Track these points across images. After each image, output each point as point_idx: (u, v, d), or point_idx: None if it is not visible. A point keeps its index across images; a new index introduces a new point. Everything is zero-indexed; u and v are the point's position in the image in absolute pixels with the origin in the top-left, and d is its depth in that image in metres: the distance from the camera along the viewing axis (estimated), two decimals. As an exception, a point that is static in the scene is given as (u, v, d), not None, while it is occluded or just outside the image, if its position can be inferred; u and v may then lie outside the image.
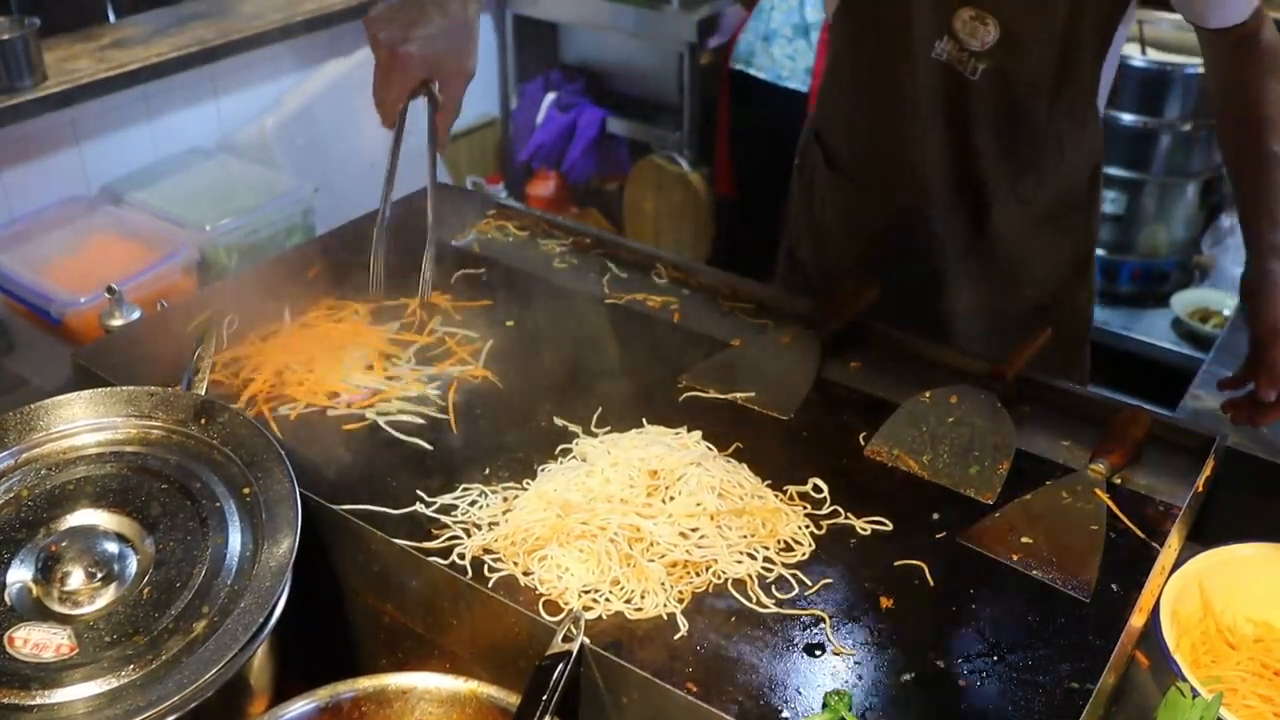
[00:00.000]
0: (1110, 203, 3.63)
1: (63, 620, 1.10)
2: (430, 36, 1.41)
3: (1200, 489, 1.34)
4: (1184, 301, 3.61)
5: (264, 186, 3.00)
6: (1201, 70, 3.43)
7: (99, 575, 1.12)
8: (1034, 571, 1.26)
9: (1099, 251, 3.68)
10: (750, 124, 3.60)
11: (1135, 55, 3.50)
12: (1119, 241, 3.71)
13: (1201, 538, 1.35)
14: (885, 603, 1.21)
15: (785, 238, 2.11)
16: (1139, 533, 1.31)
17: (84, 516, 1.19)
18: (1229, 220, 3.69)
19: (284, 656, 1.16)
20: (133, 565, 1.15)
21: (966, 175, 1.78)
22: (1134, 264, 3.72)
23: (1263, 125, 1.59)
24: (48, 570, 1.13)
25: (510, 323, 1.66)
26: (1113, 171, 3.59)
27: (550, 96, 4.23)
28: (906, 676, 1.12)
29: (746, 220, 3.81)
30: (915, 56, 1.69)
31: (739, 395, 1.51)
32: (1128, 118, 3.52)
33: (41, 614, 1.10)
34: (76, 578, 1.12)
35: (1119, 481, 1.40)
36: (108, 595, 1.12)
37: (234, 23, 3.20)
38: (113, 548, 1.15)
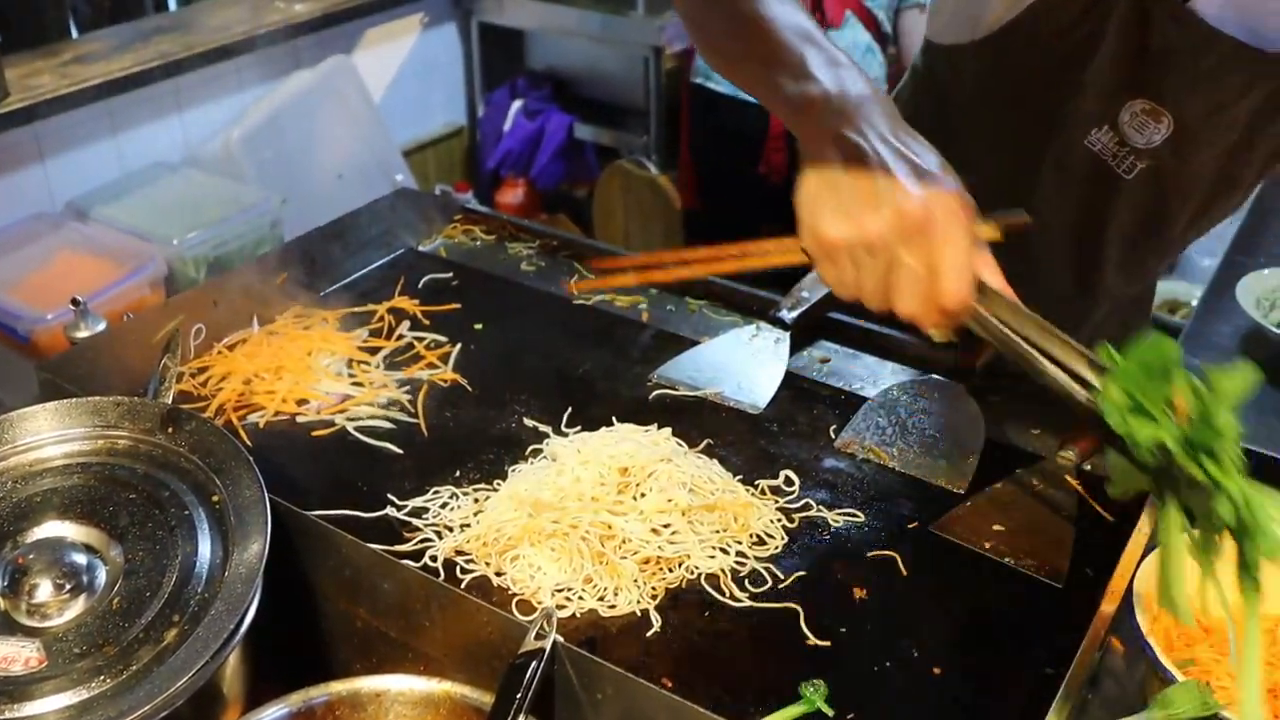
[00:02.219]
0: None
1: (31, 633, 1.08)
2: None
3: (1168, 473, 1.35)
4: (1152, 293, 3.64)
5: (231, 199, 2.99)
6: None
7: (67, 587, 1.11)
8: (1006, 559, 1.26)
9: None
10: (712, 138, 3.60)
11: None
12: (1086, 235, 3.73)
13: (1172, 522, 1.36)
14: (859, 594, 1.21)
15: None
16: (1110, 518, 1.32)
17: (51, 528, 1.18)
18: (1194, 212, 3.72)
19: (256, 664, 1.15)
20: (102, 576, 1.14)
21: (1079, 273, 1.64)
22: (1102, 257, 3.74)
23: None
24: (15, 583, 1.11)
25: (479, 326, 1.65)
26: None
27: (517, 104, 4.23)
28: (881, 666, 1.13)
29: (712, 232, 3.81)
30: (1066, 136, 1.50)
31: (708, 392, 1.51)
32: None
33: (9, 627, 1.09)
34: (45, 590, 1.11)
35: (1089, 468, 1.40)
36: (77, 607, 1.11)
37: (197, 36, 3.19)
38: (81, 559, 1.14)
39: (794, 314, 1.59)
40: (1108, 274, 1.65)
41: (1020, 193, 1.50)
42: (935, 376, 1.49)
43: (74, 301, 1.60)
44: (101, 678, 1.04)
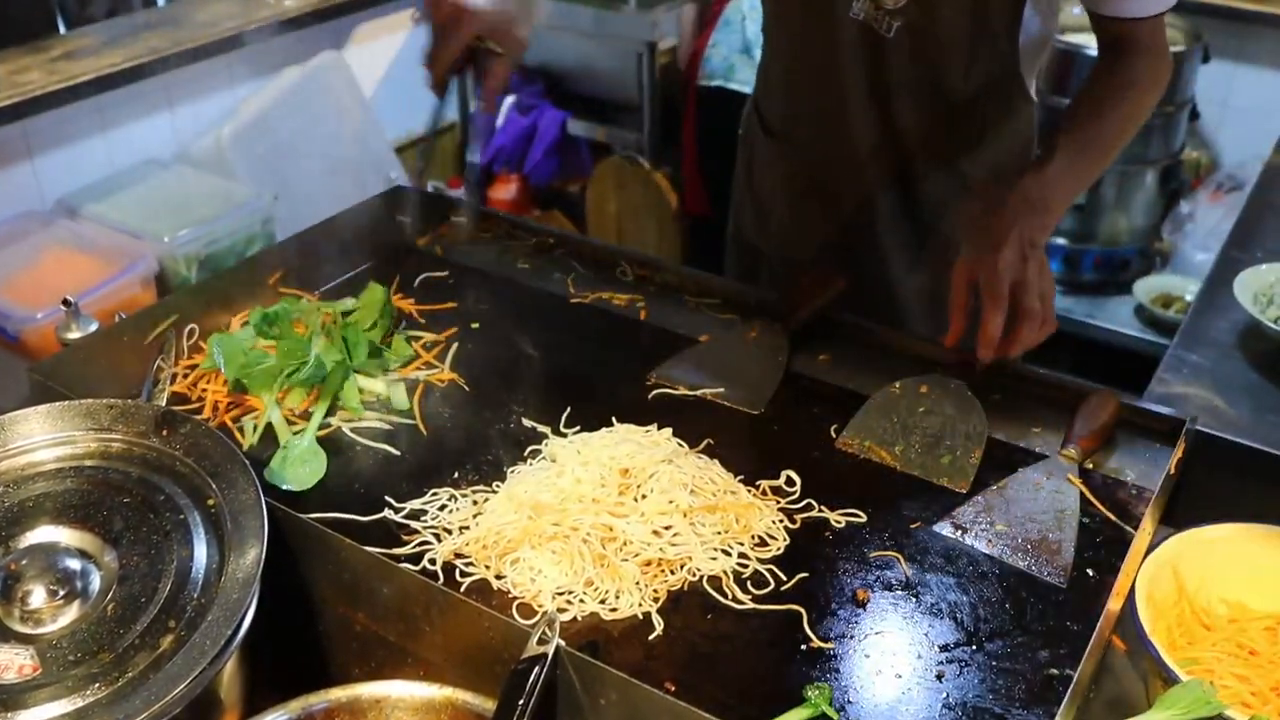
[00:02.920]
0: (1070, 192, 3.65)
1: (25, 640, 1.07)
2: None
3: (1172, 472, 1.34)
4: (1146, 288, 3.64)
5: (222, 196, 2.96)
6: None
7: (61, 593, 1.10)
8: (1009, 559, 1.25)
9: (1060, 240, 3.74)
10: (732, 138, 3.57)
11: (1091, 45, 3.52)
12: (1080, 230, 3.73)
13: (1172, 521, 1.35)
14: (862, 595, 1.20)
15: (730, 221, 2.13)
16: (1113, 517, 1.31)
17: (45, 533, 1.16)
18: (1188, 206, 3.72)
19: (254, 670, 1.13)
20: (96, 581, 1.12)
21: (890, 138, 1.80)
22: (1095, 252, 3.74)
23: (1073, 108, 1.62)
24: (8, 589, 1.10)
25: (476, 324, 1.64)
26: (1072, 161, 3.61)
27: (510, 99, 4.21)
28: (885, 668, 1.12)
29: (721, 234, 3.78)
30: (835, 15, 1.70)
31: (708, 391, 1.50)
32: (1085, 107, 3.53)
33: (2, 634, 1.07)
34: (38, 596, 1.09)
35: (1090, 466, 1.39)
36: (71, 613, 1.09)
37: (187, 31, 3.16)
38: (75, 564, 1.13)
39: (793, 313, 1.58)
40: (911, 141, 1.80)
41: (822, 83, 1.79)
42: (936, 375, 1.48)
43: (65, 302, 1.57)
44: (97, 685, 1.03)
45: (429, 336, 1.60)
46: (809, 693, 1.07)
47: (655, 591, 1.18)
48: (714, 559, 1.21)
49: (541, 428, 1.42)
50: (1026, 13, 1.68)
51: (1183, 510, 1.37)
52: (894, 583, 1.22)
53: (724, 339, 1.59)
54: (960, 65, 1.72)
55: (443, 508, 1.28)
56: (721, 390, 1.50)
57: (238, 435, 1.40)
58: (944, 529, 1.29)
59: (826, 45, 1.74)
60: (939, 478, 1.36)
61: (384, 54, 3.91)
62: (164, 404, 1.32)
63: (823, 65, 1.77)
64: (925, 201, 1.85)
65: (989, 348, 1.43)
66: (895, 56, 1.71)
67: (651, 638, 1.13)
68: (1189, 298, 3.53)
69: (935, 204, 1.85)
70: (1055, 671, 1.12)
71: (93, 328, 1.57)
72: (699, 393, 1.50)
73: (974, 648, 1.15)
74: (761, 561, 1.23)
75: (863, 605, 1.19)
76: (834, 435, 1.43)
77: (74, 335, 1.57)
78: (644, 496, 1.25)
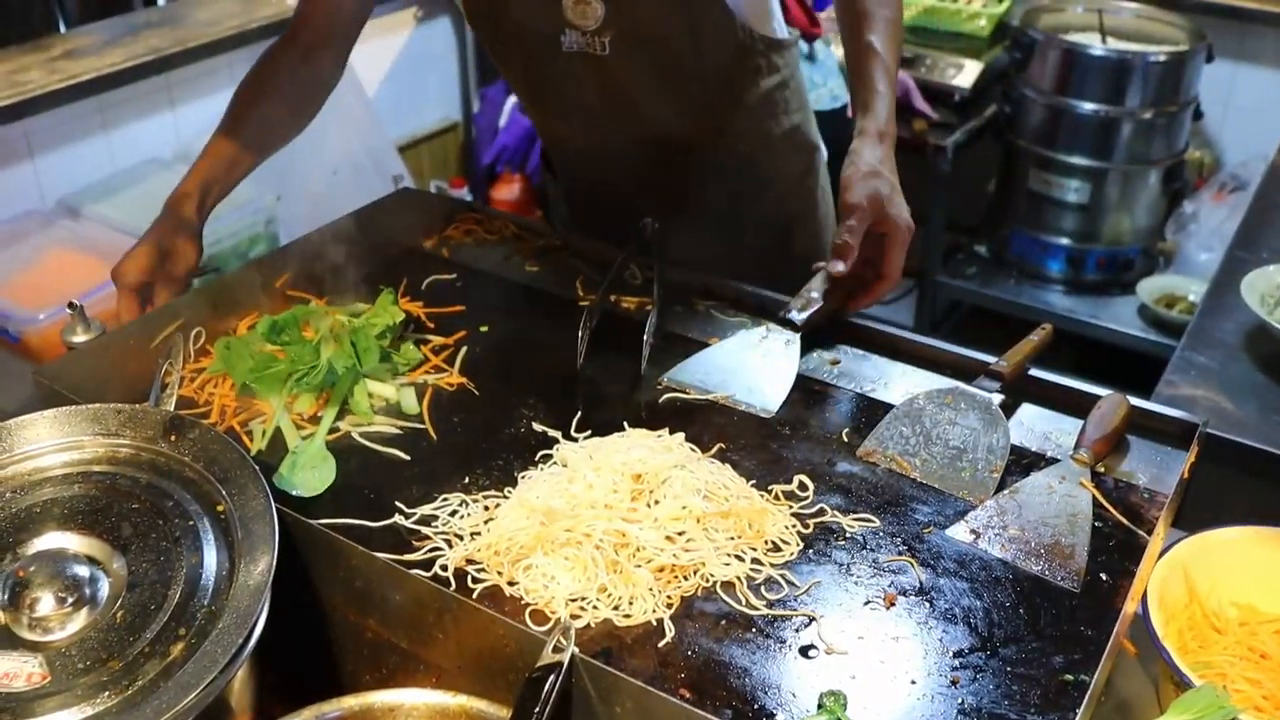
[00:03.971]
0: (1074, 192, 3.65)
1: (33, 648, 1.06)
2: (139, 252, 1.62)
3: (1185, 476, 1.34)
4: (1150, 288, 3.64)
5: (224, 196, 2.95)
6: (1162, 58, 3.47)
7: (70, 600, 1.09)
8: (1023, 564, 1.25)
9: (1063, 240, 3.74)
10: None
11: (1095, 44, 3.52)
12: (1084, 230, 3.73)
13: (1179, 522, 1.35)
14: (875, 600, 1.19)
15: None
16: (1125, 521, 1.31)
17: (52, 540, 1.15)
18: (1192, 206, 3.72)
19: (265, 677, 1.13)
20: (105, 588, 1.11)
21: (651, 133, 1.84)
22: (1099, 252, 3.75)
23: (861, 18, 1.68)
24: (16, 596, 1.09)
25: (484, 328, 1.63)
26: (1075, 160, 3.62)
27: (512, 99, 4.20)
28: (900, 674, 1.11)
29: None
30: (549, 55, 1.75)
31: (719, 395, 1.49)
32: (1088, 106, 3.54)
33: (11, 642, 1.07)
34: (46, 603, 1.08)
35: (1103, 470, 1.39)
36: (79, 620, 1.08)
37: (188, 30, 3.16)
38: (83, 571, 1.12)
39: (804, 315, 1.57)
40: (674, 134, 1.84)
41: (567, 112, 1.86)
42: (962, 386, 1.47)
43: (71, 305, 1.56)
44: (106, 694, 1.02)
45: (437, 340, 1.59)
46: (825, 699, 1.06)
47: (669, 598, 1.17)
48: (727, 565, 1.21)
49: (552, 432, 1.41)
50: None
51: (1189, 511, 1.37)
52: (908, 588, 1.21)
53: (734, 342, 1.58)
54: (684, 42, 1.73)
55: (453, 513, 1.27)
56: (732, 394, 1.49)
57: (246, 440, 1.39)
58: (957, 533, 1.28)
59: (555, 79, 1.79)
60: (959, 491, 1.35)
61: (386, 53, 3.91)
62: (172, 408, 1.31)
63: (560, 97, 1.83)
64: (704, 177, 1.88)
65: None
66: (621, 65, 1.74)
67: (665, 644, 1.12)
68: (1192, 298, 3.53)
69: (714, 176, 1.88)
70: (1070, 677, 1.11)
71: (98, 331, 1.57)
72: (710, 397, 1.49)
73: (988, 653, 1.14)
74: (775, 567, 1.22)
75: (876, 610, 1.18)
76: (846, 439, 1.43)
77: (79, 338, 1.56)
78: (657, 502, 1.24)
